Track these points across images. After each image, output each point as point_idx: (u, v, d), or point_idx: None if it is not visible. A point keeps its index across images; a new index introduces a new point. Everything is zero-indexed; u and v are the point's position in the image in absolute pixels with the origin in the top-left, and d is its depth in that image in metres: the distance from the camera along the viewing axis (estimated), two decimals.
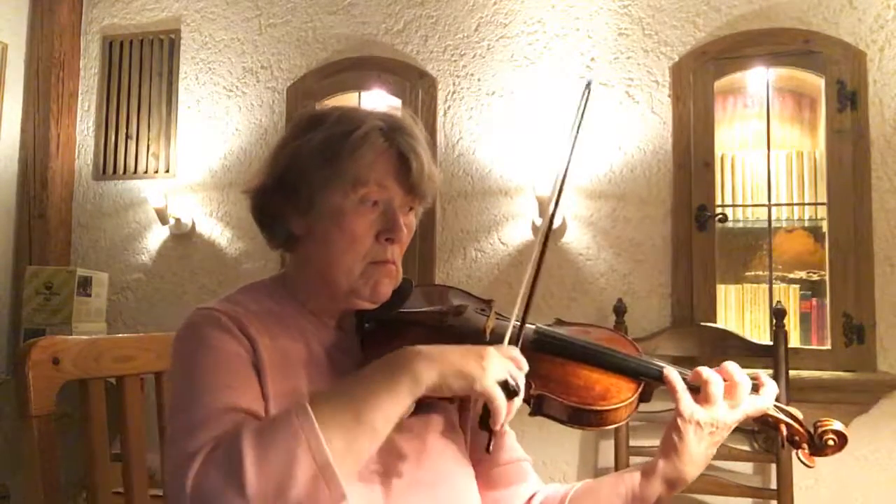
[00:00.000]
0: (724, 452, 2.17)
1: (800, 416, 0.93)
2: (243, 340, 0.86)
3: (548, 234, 0.91)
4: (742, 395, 0.89)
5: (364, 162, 0.90)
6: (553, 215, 0.93)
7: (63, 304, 2.68)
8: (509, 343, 0.85)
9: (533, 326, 0.96)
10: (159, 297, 2.97)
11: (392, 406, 0.74)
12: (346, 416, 0.73)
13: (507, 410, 0.76)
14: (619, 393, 0.88)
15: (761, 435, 2.29)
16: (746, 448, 2.25)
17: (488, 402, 0.76)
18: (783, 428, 0.91)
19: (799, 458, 0.92)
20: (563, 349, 0.93)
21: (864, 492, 2.26)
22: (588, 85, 0.95)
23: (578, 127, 0.92)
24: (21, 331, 2.72)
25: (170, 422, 0.82)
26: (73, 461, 1.11)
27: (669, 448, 0.90)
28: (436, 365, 0.75)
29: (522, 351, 0.85)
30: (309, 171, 0.91)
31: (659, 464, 0.92)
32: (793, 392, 2.12)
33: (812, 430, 0.92)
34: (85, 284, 2.73)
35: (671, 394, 0.89)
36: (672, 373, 0.90)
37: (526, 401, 0.87)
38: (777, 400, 0.93)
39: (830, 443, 0.90)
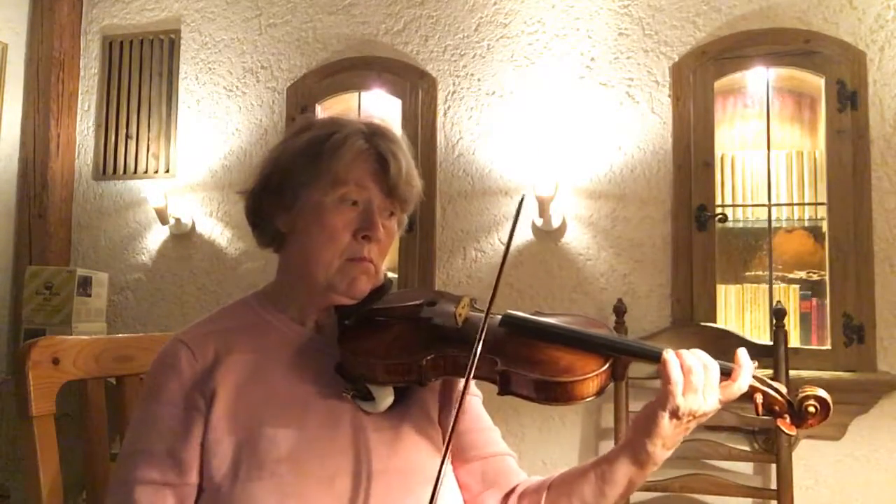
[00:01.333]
0: (724, 452, 2.18)
1: (782, 388, 0.88)
2: (192, 389, 0.90)
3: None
4: (712, 381, 0.85)
5: (344, 161, 0.94)
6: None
7: (63, 304, 2.68)
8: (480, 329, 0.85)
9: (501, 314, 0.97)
10: (159, 297, 2.97)
11: None
12: None
13: None
14: (584, 366, 0.87)
15: (761, 435, 2.29)
16: (746, 448, 2.25)
17: None
18: (758, 396, 0.87)
19: (780, 429, 0.87)
20: (529, 329, 0.93)
21: (864, 492, 2.26)
22: (522, 199, 0.98)
23: (511, 236, 0.98)
24: (21, 331, 2.72)
25: (117, 461, 0.92)
26: (73, 461, 1.11)
27: (641, 429, 0.89)
28: None
29: (490, 332, 0.86)
30: (293, 170, 0.97)
31: (629, 444, 0.91)
32: (793, 392, 2.12)
33: (792, 399, 0.87)
34: (85, 284, 2.73)
35: (662, 380, 0.85)
36: (672, 361, 0.85)
37: (492, 379, 0.88)
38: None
39: (811, 409, 0.85)
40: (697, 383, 0.84)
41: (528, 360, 0.89)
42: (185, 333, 0.96)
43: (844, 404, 2.21)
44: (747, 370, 0.87)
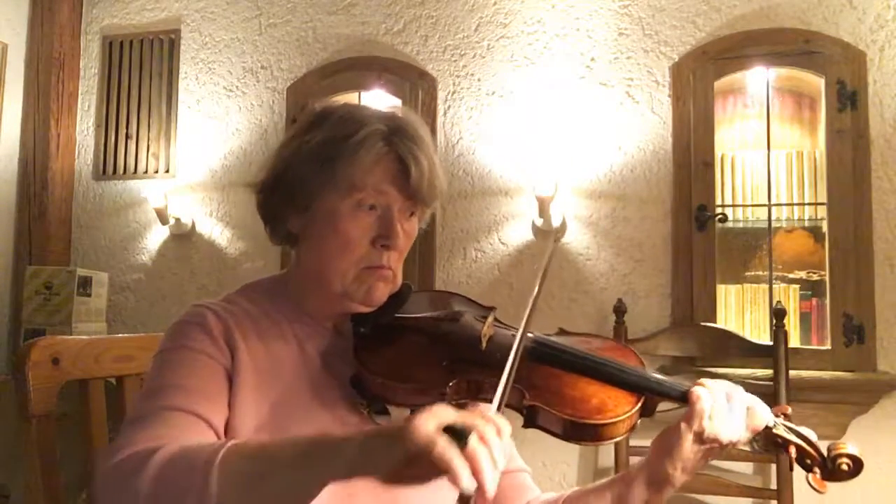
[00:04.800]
0: (723, 452, 2.17)
1: (812, 436, 0.89)
2: (223, 347, 0.86)
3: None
4: (737, 410, 0.87)
5: (361, 166, 0.88)
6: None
7: (63, 304, 2.68)
8: (513, 351, 0.77)
9: (531, 335, 0.92)
10: (159, 297, 2.97)
11: (298, 485, 0.65)
12: (249, 479, 0.66)
13: (461, 463, 0.56)
14: (616, 406, 0.83)
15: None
16: (746, 448, 2.25)
17: (426, 455, 0.57)
18: (792, 450, 0.87)
19: (809, 483, 0.87)
20: (561, 359, 0.89)
21: (864, 492, 2.26)
22: (556, 234, 0.95)
23: (544, 272, 0.90)
24: (21, 331, 2.72)
25: (133, 404, 0.84)
26: (73, 461, 1.11)
27: (663, 449, 0.87)
28: (357, 441, 0.63)
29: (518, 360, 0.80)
30: (306, 173, 0.90)
31: (648, 465, 0.88)
32: (793, 392, 2.12)
33: (825, 454, 0.87)
34: (85, 284, 2.73)
35: (691, 410, 0.85)
36: (704, 398, 0.85)
37: (519, 411, 0.84)
38: (789, 420, 0.89)
39: (844, 467, 0.86)
40: (723, 409, 0.84)
41: (558, 395, 0.84)
42: (207, 301, 0.92)
43: (844, 404, 2.21)
44: (763, 406, 0.88)
